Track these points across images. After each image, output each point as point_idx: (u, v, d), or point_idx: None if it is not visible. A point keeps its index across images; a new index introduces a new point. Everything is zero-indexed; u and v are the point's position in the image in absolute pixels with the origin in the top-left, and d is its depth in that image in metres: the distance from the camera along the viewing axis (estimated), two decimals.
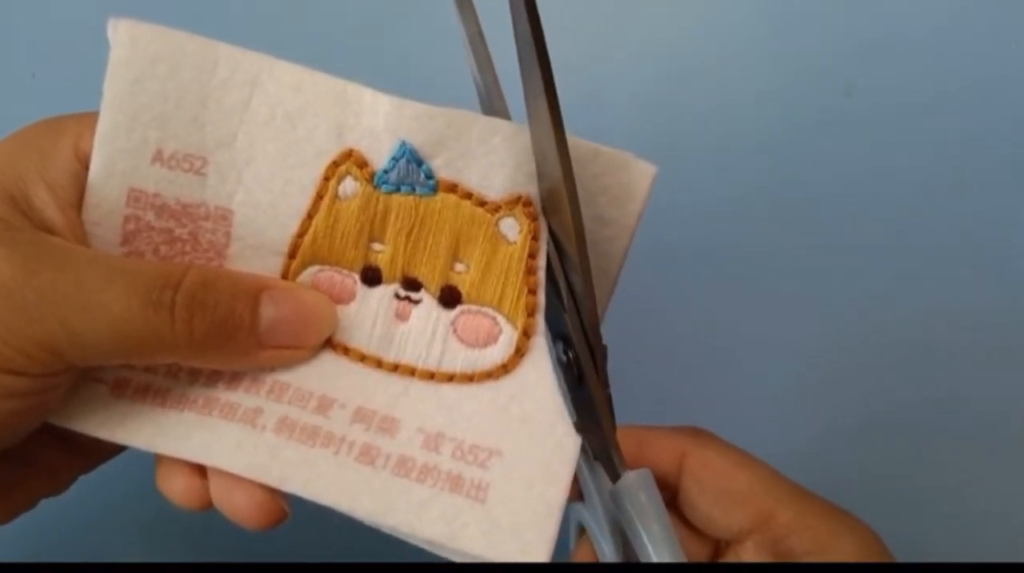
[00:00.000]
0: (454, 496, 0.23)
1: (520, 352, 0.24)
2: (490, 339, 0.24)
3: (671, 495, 0.29)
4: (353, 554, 0.35)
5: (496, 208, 0.24)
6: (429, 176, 0.24)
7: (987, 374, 0.40)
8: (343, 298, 0.24)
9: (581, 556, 0.30)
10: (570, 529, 0.32)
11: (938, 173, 0.43)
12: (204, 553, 0.36)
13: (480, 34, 0.26)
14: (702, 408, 0.36)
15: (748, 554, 0.27)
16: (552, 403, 0.24)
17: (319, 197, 0.24)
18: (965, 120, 0.43)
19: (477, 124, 0.24)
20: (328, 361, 0.24)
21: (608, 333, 0.25)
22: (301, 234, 0.24)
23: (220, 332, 0.22)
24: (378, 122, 0.24)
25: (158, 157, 0.23)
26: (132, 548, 0.36)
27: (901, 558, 0.26)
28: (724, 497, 0.28)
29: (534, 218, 0.24)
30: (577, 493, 0.30)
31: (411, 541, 0.23)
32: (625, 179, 0.25)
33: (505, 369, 0.24)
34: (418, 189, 0.24)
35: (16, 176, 0.23)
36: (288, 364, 0.24)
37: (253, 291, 0.23)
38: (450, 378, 0.24)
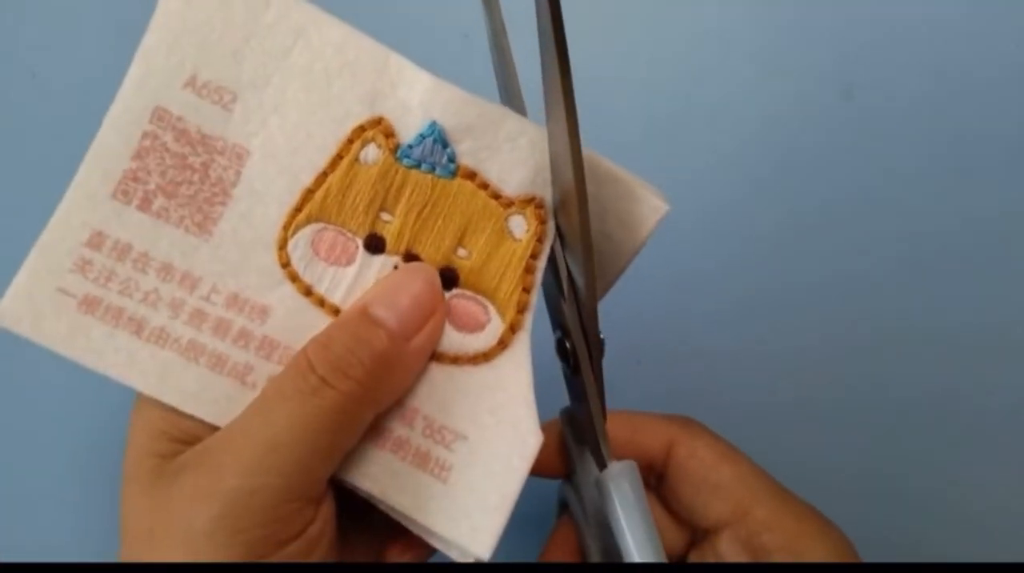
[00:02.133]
0: (419, 472, 0.24)
1: (503, 344, 0.25)
2: (477, 326, 0.25)
3: (656, 481, 0.30)
4: None
5: (509, 203, 0.24)
6: (451, 160, 0.24)
7: (992, 369, 0.41)
8: (342, 260, 0.24)
9: (561, 533, 0.31)
10: (554, 504, 0.33)
11: (939, 175, 0.42)
12: None
13: (503, 32, 0.26)
14: (699, 404, 0.37)
15: (723, 545, 0.28)
16: (523, 399, 0.24)
17: (339, 157, 0.24)
18: (966, 122, 0.43)
19: (508, 121, 0.24)
20: (319, 321, 0.24)
21: (612, 331, 0.25)
22: (313, 189, 0.24)
23: (372, 361, 0.22)
24: (413, 97, 0.24)
25: (191, 83, 0.24)
26: None
27: (895, 556, 0.27)
28: (705, 488, 0.28)
29: (543, 221, 0.25)
30: (565, 471, 0.31)
31: (383, 508, 0.24)
32: (636, 209, 0.25)
33: (486, 358, 0.25)
34: (438, 170, 0.24)
35: (162, 413, 0.23)
36: (438, 335, 0.24)
37: (358, 314, 0.23)
38: (436, 357, 0.25)
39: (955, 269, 0.42)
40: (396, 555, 0.27)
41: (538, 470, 0.32)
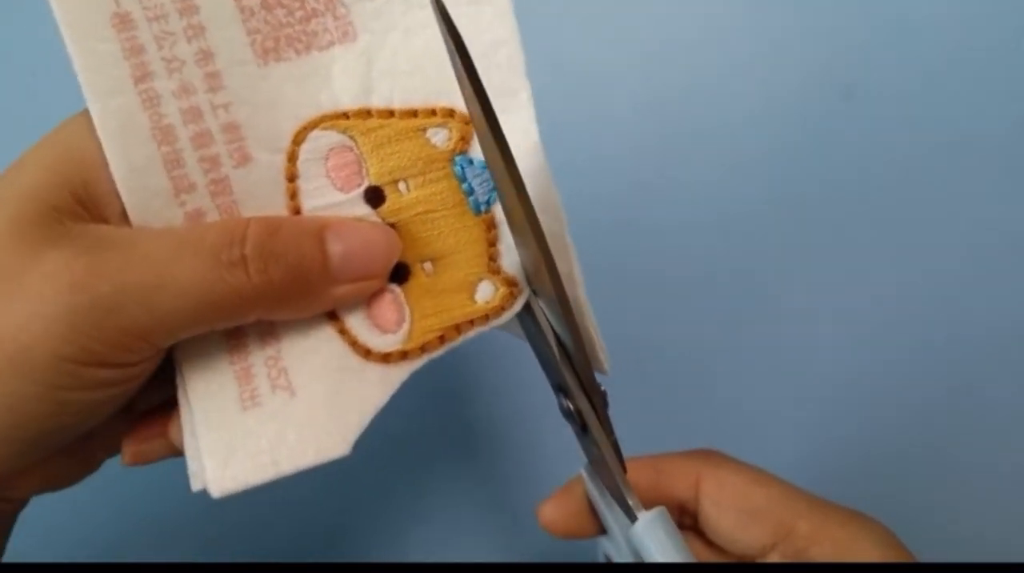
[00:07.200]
0: (233, 385, 0.23)
1: (386, 359, 0.24)
2: (382, 327, 0.25)
3: (692, 520, 0.30)
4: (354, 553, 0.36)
5: (496, 271, 0.25)
6: (488, 202, 0.25)
7: (997, 374, 0.40)
8: (338, 182, 0.24)
9: None
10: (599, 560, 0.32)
11: (938, 175, 0.42)
12: (208, 552, 0.37)
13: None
14: (695, 426, 0.36)
15: None
16: (360, 409, 0.24)
17: (414, 114, 0.24)
18: (965, 122, 0.43)
19: (561, 215, 0.25)
20: (276, 207, 0.24)
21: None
22: (372, 115, 0.24)
23: (296, 276, 0.22)
24: (509, 138, 0.24)
25: None
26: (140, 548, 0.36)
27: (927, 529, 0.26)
28: (743, 515, 0.28)
29: (509, 299, 0.25)
30: (599, 528, 0.31)
31: (177, 383, 0.24)
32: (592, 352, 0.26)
33: (365, 355, 0.24)
34: (471, 199, 0.25)
35: (79, 161, 0.22)
36: (362, 298, 0.24)
37: (316, 230, 0.23)
38: (331, 316, 0.24)
39: (955, 268, 0.42)
40: (143, 432, 0.25)
41: (573, 533, 0.31)
